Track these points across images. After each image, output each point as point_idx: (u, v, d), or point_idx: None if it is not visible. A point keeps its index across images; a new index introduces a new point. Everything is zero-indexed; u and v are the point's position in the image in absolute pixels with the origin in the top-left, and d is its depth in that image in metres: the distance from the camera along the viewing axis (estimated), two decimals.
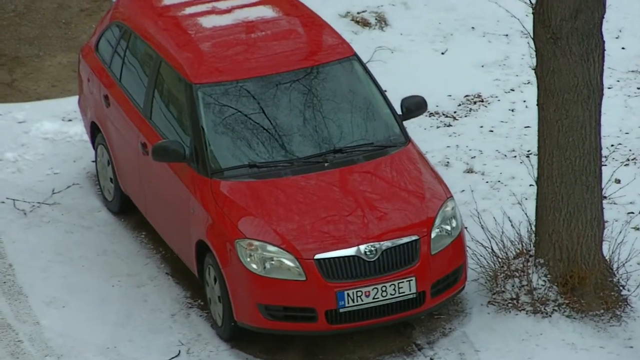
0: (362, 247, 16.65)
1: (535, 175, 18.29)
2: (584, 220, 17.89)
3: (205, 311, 18.43)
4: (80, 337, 17.66)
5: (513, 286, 17.94)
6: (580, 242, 17.73)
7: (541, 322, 17.60)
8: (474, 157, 21.35)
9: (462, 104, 23.22)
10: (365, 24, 25.55)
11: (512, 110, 23.07)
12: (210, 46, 19.58)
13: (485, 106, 23.28)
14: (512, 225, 18.25)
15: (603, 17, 17.32)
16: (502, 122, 22.83)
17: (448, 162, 21.64)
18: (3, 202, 21.14)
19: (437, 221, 17.28)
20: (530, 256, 17.96)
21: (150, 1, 21.61)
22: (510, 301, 17.75)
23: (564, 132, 17.94)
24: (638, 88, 24.10)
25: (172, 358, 17.27)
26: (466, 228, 18.03)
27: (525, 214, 18.47)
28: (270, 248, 16.98)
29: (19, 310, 17.87)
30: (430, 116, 22.57)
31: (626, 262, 18.08)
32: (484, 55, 24.47)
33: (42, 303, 18.41)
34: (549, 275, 17.80)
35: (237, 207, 17.58)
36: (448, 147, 21.94)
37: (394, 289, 16.70)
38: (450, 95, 23.02)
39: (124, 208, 20.63)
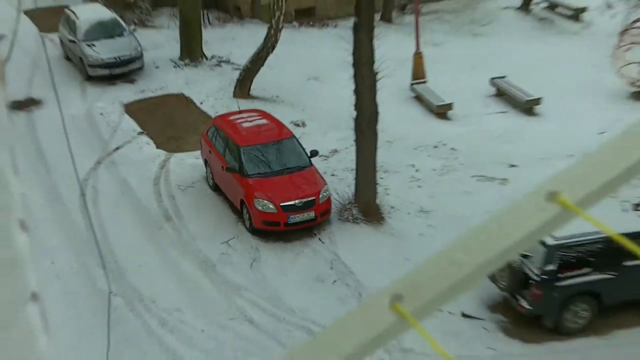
0: (296, 201, 32.35)
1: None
2: (372, 183, 33.09)
3: (243, 224, 32.81)
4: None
5: (349, 210, 33.30)
6: (369, 193, 33.08)
7: (356, 227, 32.54)
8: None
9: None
10: (297, 125, 38.55)
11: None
12: (244, 131, 34.58)
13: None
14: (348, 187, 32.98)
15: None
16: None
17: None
18: (178, 186, 35.39)
19: (321, 192, 32.57)
20: (353, 202, 33.28)
21: (224, 116, 36.43)
22: (348, 219, 33.03)
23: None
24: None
25: (230, 239, 32.20)
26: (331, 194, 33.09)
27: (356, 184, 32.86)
28: (265, 201, 32.10)
29: None
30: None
31: (385, 201, 33.17)
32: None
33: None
34: (359, 207, 33.08)
35: (254, 187, 32.69)
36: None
37: (307, 215, 32.40)
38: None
39: (214, 188, 35.65)
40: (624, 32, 40.13)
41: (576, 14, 49.85)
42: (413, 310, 2.03)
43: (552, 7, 50.72)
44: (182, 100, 41.68)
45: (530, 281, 27.96)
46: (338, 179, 34.62)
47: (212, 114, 38.59)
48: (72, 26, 44.18)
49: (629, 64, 40.83)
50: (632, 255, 27.57)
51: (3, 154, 1.76)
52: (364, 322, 2.03)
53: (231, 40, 45.46)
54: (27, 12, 41.74)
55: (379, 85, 32.28)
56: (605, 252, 27.56)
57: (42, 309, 2.06)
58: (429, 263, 2.06)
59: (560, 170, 2.07)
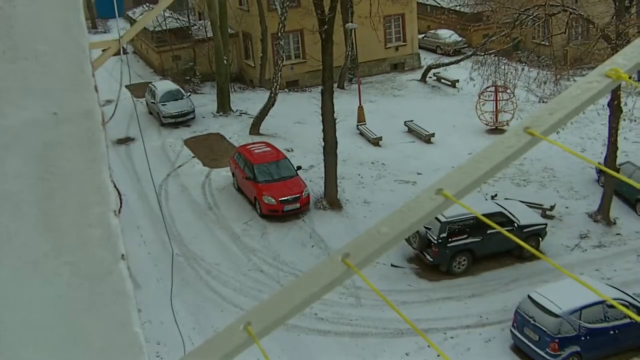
0: (288, 197, 31.84)
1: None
2: (334, 185, 32.85)
3: (256, 211, 32.66)
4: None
5: (320, 202, 32.90)
6: (332, 192, 32.86)
7: (326, 213, 32.46)
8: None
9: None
10: (288, 150, 37.48)
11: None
12: (256, 155, 33.83)
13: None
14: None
15: None
16: None
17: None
18: (217, 189, 35.27)
19: (303, 191, 32.12)
20: (323, 197, 32.99)
21: (244, 146, 35.49)
22: (320, 208, 32.74)
23: None
24: None
25: (248, 221, 32.10)
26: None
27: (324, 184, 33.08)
28: (269, 197, 31.74)
29: None
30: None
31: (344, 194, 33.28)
32: None
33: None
34: (327, 200, 32.81)
35: (262, 189, 32.12)
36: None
37: (295, 205, 31.86)
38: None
39: (238, 190, 34.78)
40: (481, 94, 40.05)
41: (453, 83, 49.71)
42: (357, 263, 1.99)
43: (438, 79, 50.66)
44: (218, 137, 41.68)
45: (431, 243, 28.32)
46: (314, 183, 34.31)
47: (236, 144, 38.63)
48: (152, 93, 44.67)
49: (484, 112, 41.51)
50: (491, 227, 28.17)
51: (104, 169, 1.77)
52: (325, 272, 1.99)
53: (248, 100, 45.84)
54: (127, 86, 40.77)
55: (337, 126, 32.67)
56: (475, 225, 28.08)
57: (128, 266, 2.07)
58: (366, 233, 2.04)
59: (443, 176, 2.05)
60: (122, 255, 2.02)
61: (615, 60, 2.24)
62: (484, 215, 27.99)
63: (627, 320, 24.00)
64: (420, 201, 2.06)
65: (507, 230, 27.86)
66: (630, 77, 2.21)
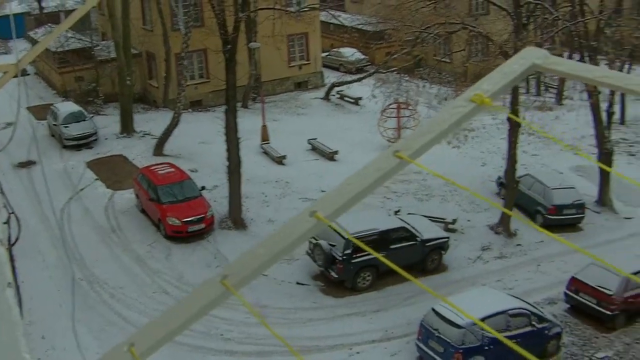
0: (192, 218, 31.23)
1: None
2: (238, 205, 32.46)
3: (160, 233, 31.92)
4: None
5: (225, 222, 32.46)
6: (237, 211, 32.41)
7: (230, 232, 32.09)
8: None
9: None
10: (192, 170, 36.63)
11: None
12: (160, 176, 33.06)
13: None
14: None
15: None
16: None
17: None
18: (120, 211, 34.31)
19: (207, 212, 31.51)
20: (227, 217, 32.49)
21: (147, 167, 34.61)
22: (224, 228, 32.23)
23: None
24: None
25: (152, 242, 31.31)
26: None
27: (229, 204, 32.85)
28: (173, 218, 31.03)
29: None
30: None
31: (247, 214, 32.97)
32: None
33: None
34: (231, 220, 32.29)
35: (166, 210, 31.48)
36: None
37: (199, 226, 31.11)
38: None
39: (142, 211, 34.02)
40: (383, 111, 40.51)
41: (356, 101, 49.97)
42: (235, 284, 2.06)
43: (341, 97, 50.90)
44: (122, 158, 41.08)
45: (336, 260, 28.45)
46: (218, 203, 34.10)
47: (140, 165, 37.87)
48: (54, 115, 43.92)
49: (387, 129, 41.87)
50: (395, 241, 28.73)
51: None
52: (204, 293, 2.05)
53: (151, 121, 45.27)
54: (28, 108, 41.35)
55: (241, 145, 32.67)
56: (379, 240, 28.37)
57: (16, 293, 2.07)
58: (244, 255, 2.11)
59: (319, 198, 2.14)
60: (9, 284, 2.05)
61: (480, 86, 2.38)
62: (387, 230, 28.72)
63: (529, 329, 24.75)
64: (295, 223, 2.15)
65: (410, 244, 28.86)
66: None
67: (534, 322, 25.13)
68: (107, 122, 46.78)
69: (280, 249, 2.11)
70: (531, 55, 2.42)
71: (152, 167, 34.88)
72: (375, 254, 3.27)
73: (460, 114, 2.29)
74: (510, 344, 2.38)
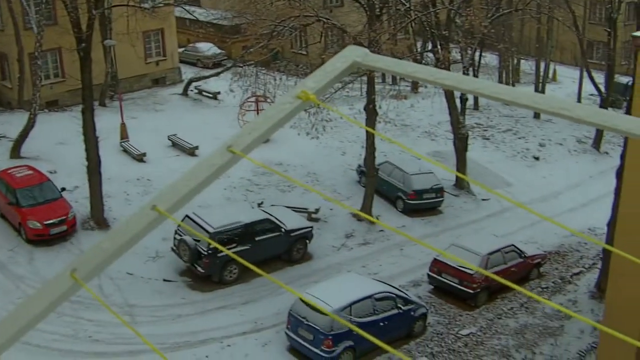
0: (55, 220, 30.15)
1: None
2: (100, 205, 31.75)
3: (22, 237, 30.90)
4: None
5: (88, 223, 31.61)
6: (99, 211, 31.76)
7: (93, 233, 31.10)
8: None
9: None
10: (51, 172, 35.04)
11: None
12: (18, 179, 31.60)
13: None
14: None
15: None
16: None
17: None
18: None
19: (69, 213, 30.67)
20: (90, 217, 32.10)
21: (4, 170, 33.07)
22: (87, 228, 31.39)
23: None
24: None
25: (14, 247, 30.26)
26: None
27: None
28: (34, 221, 29.97)
29: None
30: None
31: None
32: None
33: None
34: (94, 220, 31.72)
35: (26, 213, 30.19)
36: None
37: (61, 228, 30.18)
38: None
39: (1, 216, 32.41)
40: (242, 105, 40.44)
41: (214, 96, 49.66)
42: (84, 277, 2.18)
43: (200, 92, 50.61)
44: None
45: (202, 255, 28.43)
46: (80, 204, 33.28)
47: None
48: None
49: (246, 123, 40.62)
50: (260, 233, 28.96)
51: None
52: (54, 287, 2.16)
53: (6, 123, 43.41)
54: None
55: (100, 144, 32.33)
56: (244, 233, 28.56)
57: None
58: (91, 249, 2.23)
59: (158, 192, 2.29)
60: None
61: (305, 84, 2.59)
62: (252, 222, 28.90)
63: (395, 311, 25.54)
64: (137, 217, 2.30)
65: (274, 235, 29.13)
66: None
67: (399, 305, 25.84)
68: None
69: (125, 241, 2.24)
70: (352, 54, 2.63)
71: (10, 170, 33.74)
72: (226, 251, 3.43)
73: (287, 110, 2.47)
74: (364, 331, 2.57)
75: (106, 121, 38.92)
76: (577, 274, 31.70)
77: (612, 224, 26.61)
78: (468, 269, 27.85)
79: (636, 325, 16.84)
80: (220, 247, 26.34)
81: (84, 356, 24.31)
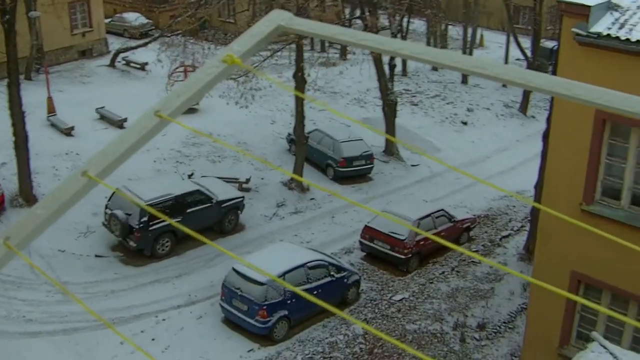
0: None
1: None
2: (28, 181, 30.98)
3: None
4: None
5: (16, 200, 30.72)
6: (27, 188, 30.94)
7: (23, 210, 30.37)
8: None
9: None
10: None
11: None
12: None
13: None
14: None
15: None
16: None
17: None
18: None
19: None
20: (19, 195, 31.20)
21: None
22: (16, 206, 30.61)
23: None
24: None
25: None
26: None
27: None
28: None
29: None
30: None
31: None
32: None
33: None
34: (22, 197, 31.10)
35: None
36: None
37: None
38: None
39: None
40: (170, 75, 39.89)
41: (142, 66, 49.25)
42: (17, 244, 2.21)
43: (127, 63, 50.16)
44: None
45: (133, 229, 28.21)
46: (7, 181, 32.40)
47: None
48: None
49: None
50: (191, 205, 28.93)
51: None
52: None
53: None
54: None
55: (27, 119, 31.73)
56: (175, 205, 28.50)
57: None
58: (24, 217, 2.27)
59: (89, 158, 2.33)
60: None
61: (231, 47, 2.64)
62: (182, 194, 28.87)
63: (329, 279, 25.80)
64: (68, 184, 2.34)
65: (206, 207, 29.14)
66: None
67: (332, 272, 26.08)
68: None
69: (57, 208, 2.27)
70: (277, 18, 2.68)
71: None
72: (169, 220, 3.50)
73: (213, 74, 2.52)
74: (308, 296, 2.64)
75: (32, 95, 38.33)
76: (506, 236, 32.27)
77: (538, 185, 27.21)
78: (399, 234, 28.30)
79: (563, 285, 17.26)
80: (162, 216, 26.26)
81: (18, 337, 23.96)
